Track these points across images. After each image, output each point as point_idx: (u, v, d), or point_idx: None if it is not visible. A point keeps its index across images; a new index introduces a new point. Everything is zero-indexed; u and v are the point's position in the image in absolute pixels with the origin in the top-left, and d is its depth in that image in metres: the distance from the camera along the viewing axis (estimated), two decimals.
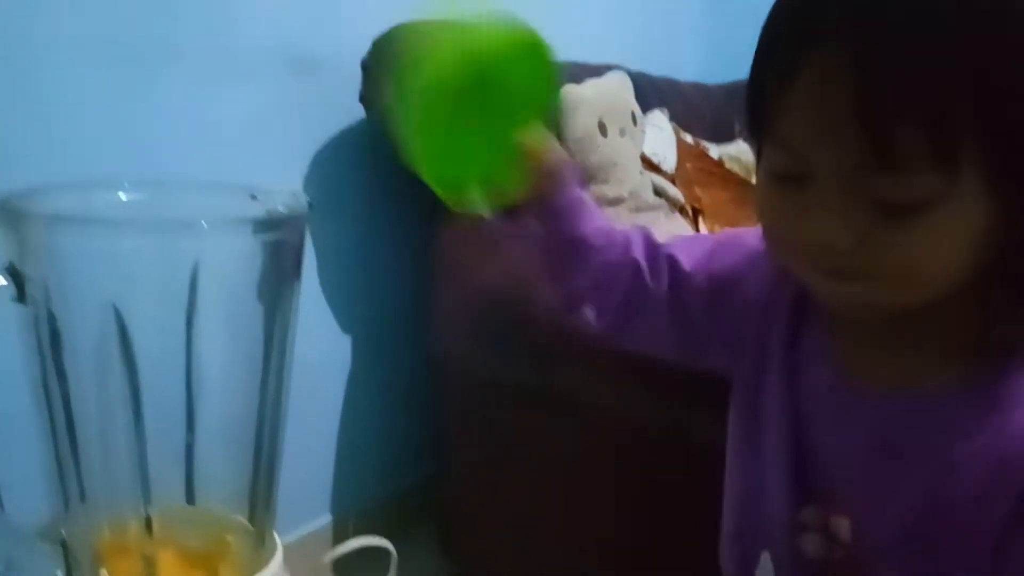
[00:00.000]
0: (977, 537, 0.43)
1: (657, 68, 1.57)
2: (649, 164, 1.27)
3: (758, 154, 0.47)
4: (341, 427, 1.25)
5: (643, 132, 1.26)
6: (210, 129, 0.97)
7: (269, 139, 1.05)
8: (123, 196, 0.51)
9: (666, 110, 1.42)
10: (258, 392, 0.50)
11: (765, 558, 0.55)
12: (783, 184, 0.43)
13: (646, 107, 1.37)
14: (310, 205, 0.50)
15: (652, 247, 0.59)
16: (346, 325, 1.22)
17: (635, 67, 1.42)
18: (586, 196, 0.59)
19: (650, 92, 1.45)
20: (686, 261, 0.58)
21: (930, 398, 0.45)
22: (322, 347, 1.20)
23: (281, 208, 0.49)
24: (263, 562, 0.52)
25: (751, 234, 0.55)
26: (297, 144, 1.10)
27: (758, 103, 0.43)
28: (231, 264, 0.48)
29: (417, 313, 1.19)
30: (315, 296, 1.18)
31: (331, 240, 1.17)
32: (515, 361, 1.07)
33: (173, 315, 0.49)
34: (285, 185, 1.14)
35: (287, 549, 1.20)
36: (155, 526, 0.51)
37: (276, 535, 0.54)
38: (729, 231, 0.62)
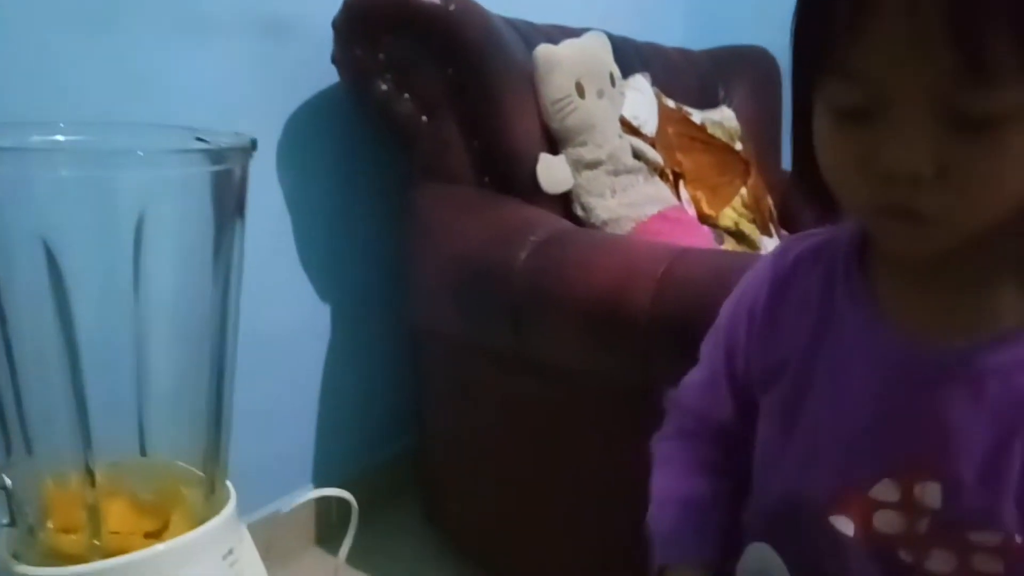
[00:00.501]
0: None
1: (642, 34, 1.54)
2: (629, 127, 1.25)
3: (803, 94, 0.44)
4: (322, 398, 1.24)
5: (622, 94, 1.24)
6: (178, 90, 0.95)
7: (239, 102, 1.03)
8: (61, 137, 0.49)
9: (648, 74, 1.40)
10: (208, 334, 0.49)
11: (759, 548, 0.53)
12: (848, 122, 0.42)
13: (628, 71, 1.35)
14: (253, 143, 0.49)
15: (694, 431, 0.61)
16: (323, 294, 1.21)
17: (619, 32, 1.40)
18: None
19: (632, 56, 1.43)
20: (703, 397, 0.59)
21: (1003, 336, 0.44)
22: (300, 317, 1.19)
23: (224, 144, 0.48)
24: (215, 511, 0.51)
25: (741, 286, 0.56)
26: (268, 107, 1.08)
27: (821, 36, 0.41)
28: (176, 197, 0.47)
29: (395, 279, 1.18)
30: (291, 265, 1.16)
31: (305, 206, 1.15)
32: (491, 324, 1.06)
33: (117, 253, 0.48)
34: (260, 151, 1.12)
35: (267, 519, 1.19)
36: (105, 477, 0.50)
37: (230, 484, 0.53)
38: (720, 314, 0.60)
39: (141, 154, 0.41)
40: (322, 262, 1.18)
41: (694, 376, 0.62)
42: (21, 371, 0.47)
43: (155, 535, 0.49)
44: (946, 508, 0.46)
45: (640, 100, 1.32)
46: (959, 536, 0.45)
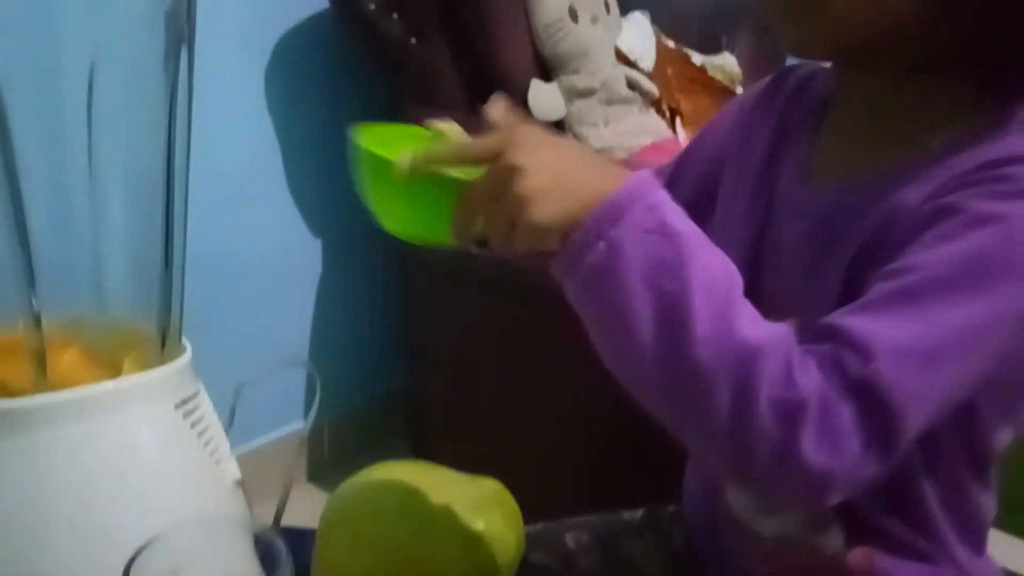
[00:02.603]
0: None
1: None
2: (624, 60, 1.23)
3: None
4: (313, 334, 1.23)
5: (618, 24, 1.22)
6: None
7: (227, 25, 1.02)
8: None
9: (647, 12, 1.38)
10: (159, 178, 0.48)
11: None
12: None
13: (627, 9, 1.33)
14: None
15: None
16: (315, 228, 1.20)
17: None
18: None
19: None
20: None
21: (874, 179, 0.44)
22: (292, 252, 1.18)
23: None
24: (168, 361, 0.49)
25: None
26: (253, 31, 1.07)
27: None
28: (128, 31, 0.45)
29: None
30: (280, 195, 1.16)
31: (294, 136, 1.14)
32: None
33: (67, 93, 0.47)
34: (250, 78, 1.11)
35: (261, 451, 1.17)
36: (57, 330, 0.49)
37: (186, 341, 0.52)
38: None
39: None
40: (312, 192, 1.17)
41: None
42: None
43: None
44: None
45: (638, 35, 1.30)
46: None
